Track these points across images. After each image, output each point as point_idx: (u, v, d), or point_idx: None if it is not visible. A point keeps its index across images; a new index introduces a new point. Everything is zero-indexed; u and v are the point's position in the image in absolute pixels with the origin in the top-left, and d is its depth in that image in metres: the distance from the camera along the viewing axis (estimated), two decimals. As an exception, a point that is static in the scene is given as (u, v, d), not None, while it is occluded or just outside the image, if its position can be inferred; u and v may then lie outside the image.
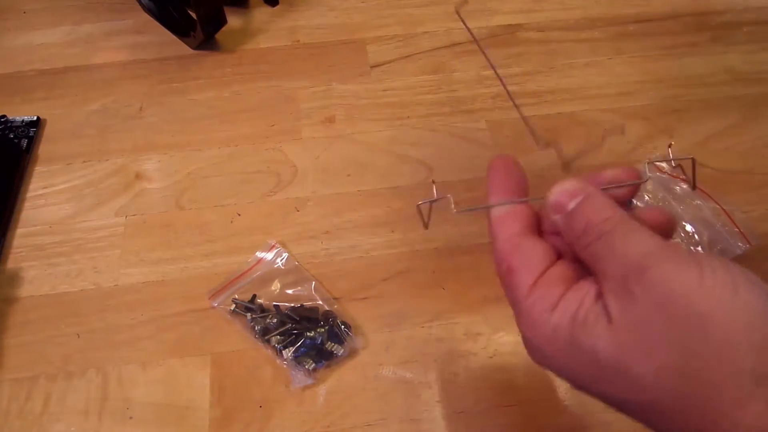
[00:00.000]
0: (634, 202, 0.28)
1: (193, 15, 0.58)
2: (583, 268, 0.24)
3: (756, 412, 0.18)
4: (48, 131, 0.56)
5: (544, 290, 0.23)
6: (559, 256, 0.25)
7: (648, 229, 0.23)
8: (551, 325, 0.23)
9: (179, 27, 0.60)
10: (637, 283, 0.21)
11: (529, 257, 0.25)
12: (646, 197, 0.50)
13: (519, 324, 0.24)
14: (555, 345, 0.23)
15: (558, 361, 0.23)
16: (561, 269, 0.24)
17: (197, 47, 0.61)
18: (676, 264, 0.21)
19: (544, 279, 0.24)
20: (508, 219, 0.26)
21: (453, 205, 0.27)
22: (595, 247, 0.23)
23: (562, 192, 0.25)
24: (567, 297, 0.23)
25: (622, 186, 0.26)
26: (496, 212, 0.26)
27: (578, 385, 0.23)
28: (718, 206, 0.49)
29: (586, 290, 0.23)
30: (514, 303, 0.25)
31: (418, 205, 0.28)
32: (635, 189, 0.27)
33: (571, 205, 0.24)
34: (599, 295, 0.22)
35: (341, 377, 0.43)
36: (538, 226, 0.27)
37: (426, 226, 0.28)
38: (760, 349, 0.19)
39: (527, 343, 0.25)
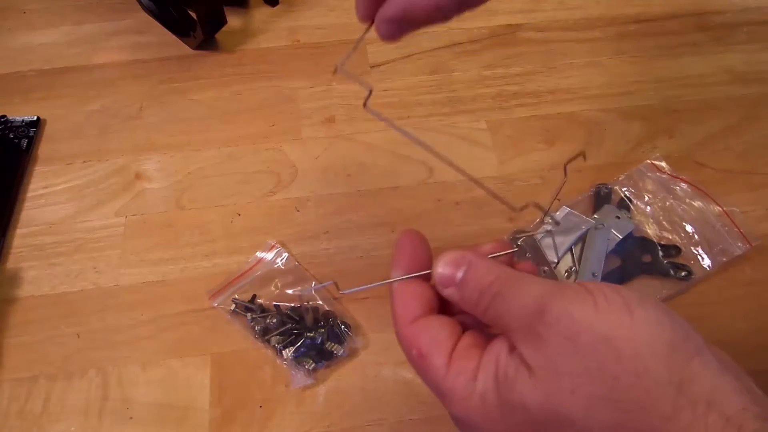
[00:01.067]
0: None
1: (193, 15, 0.58)
2: (489, 333, 0.25)
3: (686, 423, 0.19)
4: (48, 131, 0.56)
5: (460, 364, 0.23)
6: (464, 327, 0.25)
7: (535, 276, 0.23)
8: (478, 395, 0.22)
9: (179, 27, 0.60)
10: (540, 324, 0.21)
11: (436, 337, 0.24)
12: (647, 197, 0.50)
13: (446, 405, 0.24)
14: (487, 415, 0.22)
15: (495, 431, 0.23)
16: (469, 339, 0.24)
17: (197, 47, 0.61)
18: (571, 298, 0.21)
19: (457, 353, 0.24)
20: (407, 299, 0.26)
21: (338, 289, 0.28)
22: (494, 307, 0.23)
23: (446, 264, 0.25)
24: (483, 361, 0.23)
25: (498, 255, 0.27)
26: (397, 291, 0.26)
27: None
28: (718, 206, 0.49)
29: (498, 348, 0.23)
30: (434, 386, 0.24)
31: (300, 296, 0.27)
32: (511, 257, 0.28)
33: (459, 275, 0.25)
34: (512, 349, 0.23)
35: (341, 377, 0.43)
36: (438, 301, 0.26)
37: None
38: (667, 356, 0.19)
39: (460, 423, 0.24)
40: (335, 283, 0.28)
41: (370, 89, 0.28)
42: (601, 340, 0.20)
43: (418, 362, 0.25)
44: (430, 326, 0.25)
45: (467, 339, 0.24)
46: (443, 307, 0.27)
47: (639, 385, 0.19)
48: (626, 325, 0.20)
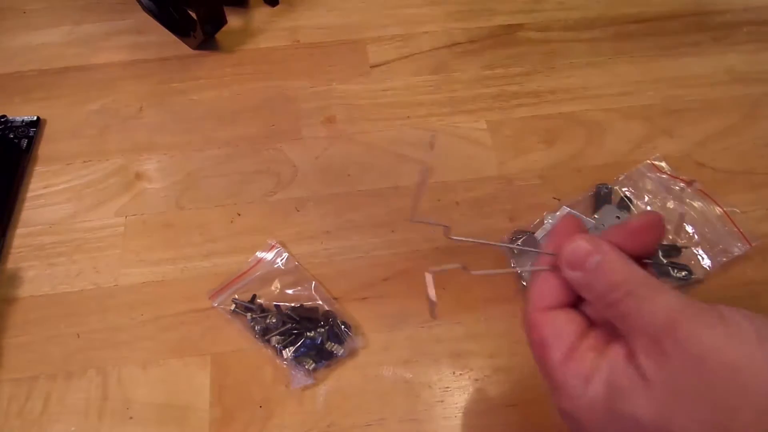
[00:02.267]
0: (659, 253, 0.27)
1: (193, 15, 0.58)
2: (610, 332, 0.25)
3: None
4: (48, 131, 0.56)
5: (577, 363, 0.24)
6: (590, 323, 0.26)
7: (669, 288, 0.23)
8: (588, 398, 0.23)
9: (179, 27, 0.60)
10: (668, 339, 0.21)
11: (561, 331, 0.25)
12: (647, 197, 0.50)
13: (554, 397, 0.25)
14: (594, 416, 0.23)
15: None
16: (591, 341, 0.25)
17: (197, 47, 0.61)
18: (704, 320, 0.21)
19: (576, 353, 0.24)
20: (545, 287, 0.26)
21: (449, 234, 0.27)
22: (622, 306, 0.23)
23: (578, 247, 0.25)
24: (599, 366, 0.23)
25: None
26: (538, 278, 0.27)
27: None
28: (718, 206, 0.49)
29: (615, 354, 0.23)
30: (547, 375, 0.25)
31: (430, 273, 0.26)
32: (653, 245, 0.27)
33: (591, 263, 0.24)
34: (630, 356, 0.22)
35: (341, 377, 0.43)
36: (573, 297, 0.26)
37: (433, 314, 0.27)
38: None
39: (565, 415, 0.25)
40: (446, 227, 0.28)
41: (446, 227, 0.28)
42: (727, 369, 0.20)
43: (537, 349, 0.25)
44: (558, 319, 0.25)
45: (589, 340, 0.25)
46: (576, 301, 0.27)
47: (760, 423, 0.19)
48: (756, 358, 0.20)
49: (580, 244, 0.25)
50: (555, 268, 0.26)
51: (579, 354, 0.24)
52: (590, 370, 0.23)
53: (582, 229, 0.27)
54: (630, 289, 0.23)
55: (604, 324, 0.25)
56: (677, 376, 0.21)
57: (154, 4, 0.60)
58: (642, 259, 0.26)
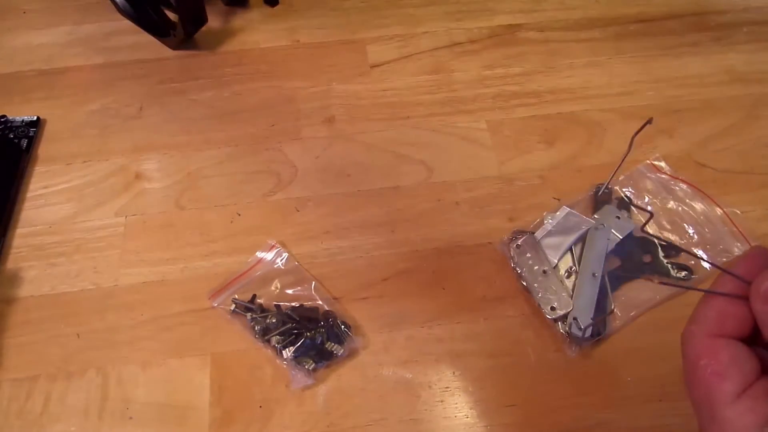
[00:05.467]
0: None
1: (172, 15, 0.57)
2: None
3: None
4: (48, 131, 0.56)
5: (754, 403, 0.21)
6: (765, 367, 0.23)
7: None
8: None
9: (158, 28, 0.60)
10: None
11: (739, 363, 0.22)
12: (647, 197, 0.50)
13: (710, 430, 0.22)
14: None
15: None
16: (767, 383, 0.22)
17: (177, 47, 0.61)
18: None
19: (753, 390, 0.22)
20: (727, 311, 0.23)
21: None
22: None
23: None
24: None
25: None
26: (719, 299, 0.24)
27: None
28: (718, 206, 0.49)
29: None
30: (709, 407, 0.22)
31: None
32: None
33: None
34: None
35: (341, 377, 0.43)
36: (750, 332, 0.24)
37: None
38: None
39: None
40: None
41: (650, 212, 0.26)
42: None
43: (706, 377, 0.23)
44: (738, 350, 0.23)
45: (766, 382, 0.22)
46: (752, 339, 0.24)
47: None
48: None
49: None
50: (741, 296, 0.23)
51: (757, 393, 0.22)
52: None
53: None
54: None
55: None
56: None
57: (130, 5, 0.59)
58: None
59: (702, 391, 0.23)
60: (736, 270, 0.24)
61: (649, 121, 0.30)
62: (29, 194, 0.52)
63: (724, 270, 0.24)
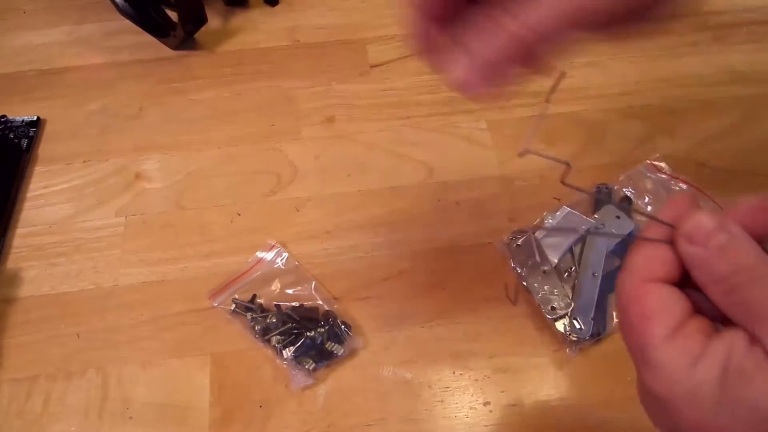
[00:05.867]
0: None
1: (172, 15, 0.57)
2: (714, 319, 0.23)
3: None
4: (48, 131, 0.56)
5: (684, 343, 0.21)
6: (696, 309, 0.23)
7: None
8: (694, 381, 0.21)
9: (158, 28, 0.60)
10: None
11: (668, 306, 0.22)
12: (647, 197, 0.50)
13: (647, 380, 0.22)
14: (697, 404, 0.21)
15: (701, 425, 0.21)
16: (698, 323, 0.22)
17: (177, 48, 0.61)
18: None
19: (682, 331, 0.22)
20: (653, 256, 0.23)
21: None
22: (746, 291, 0.21)
23: (702, 225, 0.22)
24: (711, 348, 0.21)
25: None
26: (647, 244, 0.24)
27: None
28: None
29: (733, 338, 0.21)
30: (640, 352, 0.22)
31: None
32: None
33: (716, 241, 0.22)
34: (753, 341, 0.21)
35: (341, 377, 0.43)
36: (679, 275, 0.24)
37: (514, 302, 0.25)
38: None
39: (655, 400, 0.22)
40: (567, 165, 0.26)
41: (567, 164, 0.26)
42: None
43: (635, 322, 0.23)
44: (665, 293, 0.23)
45: (697, 322, 0.22)
46: (682, 281, 0.24)
47: None
48: None
49: (704, 219, 0.22)
50: (667, 241, 0.23)
51: (686, 333, 0.22)
52: (700, 351, 0.21)
53: (699, 206, 0.24)
54: (758, 275, 0.21)
55: (710, 310, 0.23)
56: None
57: (130, 5, 0.59)
58: (763, 244, 0.23)
59: (633, 337, 0.23)
60: (663, 216, 0.24)
61: (563, 75, 0.30)
62: (29, 194, 0.52)
63: (652, 217, 0.24)
